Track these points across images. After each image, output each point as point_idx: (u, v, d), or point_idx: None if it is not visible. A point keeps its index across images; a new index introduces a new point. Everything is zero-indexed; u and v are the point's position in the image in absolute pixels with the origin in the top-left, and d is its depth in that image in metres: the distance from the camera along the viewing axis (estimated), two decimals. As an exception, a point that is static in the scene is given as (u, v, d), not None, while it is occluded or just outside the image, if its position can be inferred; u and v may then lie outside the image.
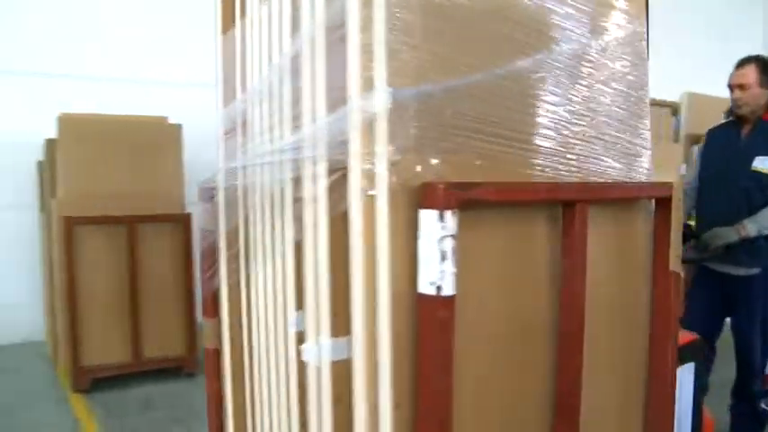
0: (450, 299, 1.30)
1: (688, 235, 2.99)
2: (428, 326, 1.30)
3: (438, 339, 1.30)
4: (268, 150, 1.75)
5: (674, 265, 1.82)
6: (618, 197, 1.72)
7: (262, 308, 1.94)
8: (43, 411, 4.46)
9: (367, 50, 1.36)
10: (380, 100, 1.34)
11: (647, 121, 1.89)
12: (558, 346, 1.59)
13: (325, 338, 1.52)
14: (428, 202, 1.30)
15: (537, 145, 1.57)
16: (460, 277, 1.40)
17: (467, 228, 1.41)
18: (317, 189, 1.53)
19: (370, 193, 1.36)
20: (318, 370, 1.56)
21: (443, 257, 1.28)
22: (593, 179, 1.69)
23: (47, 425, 4.22)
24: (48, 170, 5.36)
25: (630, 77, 1.83)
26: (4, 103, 6.12)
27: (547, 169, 1.58)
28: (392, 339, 1.33)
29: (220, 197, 2.13)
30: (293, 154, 1.61)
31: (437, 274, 1.28)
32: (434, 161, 1.39)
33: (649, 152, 1.88)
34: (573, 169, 1.65)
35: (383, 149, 1.34)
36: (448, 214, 1.28)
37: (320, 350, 1.54)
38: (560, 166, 1.61)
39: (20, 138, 6.07)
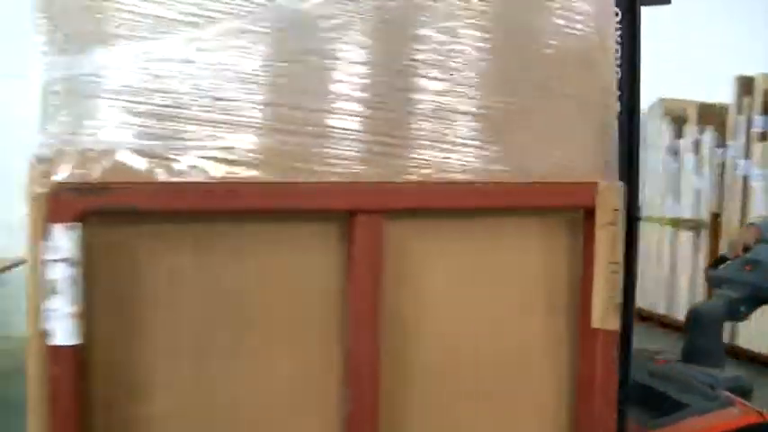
0: (67, 351, 0.91)
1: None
2: (49, 386, 0.93)
3: (52, 405, 0.92)
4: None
5: (605, 318, 1.16)
6: (464, 207, 1.13)
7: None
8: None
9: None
10: (35, 72, 1.00)
11: (597, 95, 1.24)
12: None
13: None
14: (46, 212, 0.92)
15: (320, 129, 1.07)
16: (150, 323, 1.00)
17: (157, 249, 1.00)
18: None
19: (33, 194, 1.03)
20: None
21: (53, 291, 0.90)
22: (445, 177, 1.12)
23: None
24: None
25: (552, 28, 1.19)
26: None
27: (336, 166, 1.07)
28: (32, 398, 0.98)
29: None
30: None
31: (43, 314, 0.91)
32: (120, 156, 1.00)
33: (590, 139, 1.23)
34: (395, 164, 1.11)
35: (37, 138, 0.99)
36: (57, 229, 0.90)
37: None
38: (357, 160, 1.08)
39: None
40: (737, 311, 1.93)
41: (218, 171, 1.02)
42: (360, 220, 1.02)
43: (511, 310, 1.18)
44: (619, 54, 1.52)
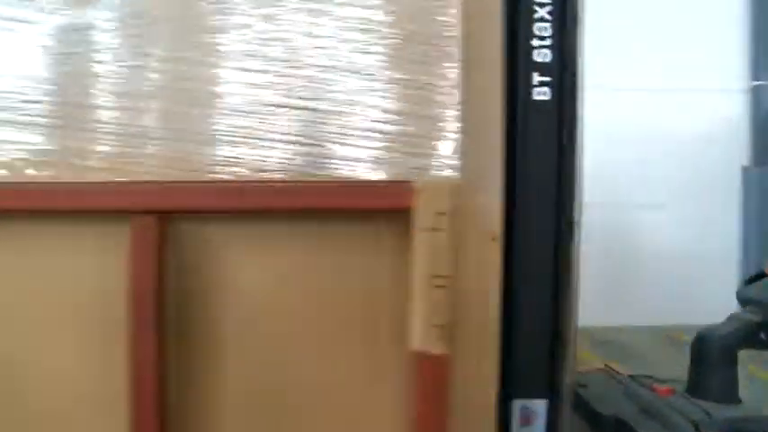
0: None
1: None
2: None
3: None
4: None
5: (426, 340, 1.01)
6: (253, 208, 1.04)
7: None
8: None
9: None
10: None
11: (442, 83, 1.08)
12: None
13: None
14: None
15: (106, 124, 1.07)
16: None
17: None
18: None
19: None
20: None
21: None
22: (252, 176, 1.07)
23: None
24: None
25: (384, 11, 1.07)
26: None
27: (131, 164, 1.07)
28: None
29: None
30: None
31: None
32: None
33: (430, 132, 1.08)
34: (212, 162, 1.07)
35: None
36: None
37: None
38: (161, 159, 1.07)
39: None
40: (756, 338, 1.56)
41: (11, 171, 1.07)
42: (138, 221, 1.00)
43: (326, 328, 1.08)
44: (550, 34, 1.31)
